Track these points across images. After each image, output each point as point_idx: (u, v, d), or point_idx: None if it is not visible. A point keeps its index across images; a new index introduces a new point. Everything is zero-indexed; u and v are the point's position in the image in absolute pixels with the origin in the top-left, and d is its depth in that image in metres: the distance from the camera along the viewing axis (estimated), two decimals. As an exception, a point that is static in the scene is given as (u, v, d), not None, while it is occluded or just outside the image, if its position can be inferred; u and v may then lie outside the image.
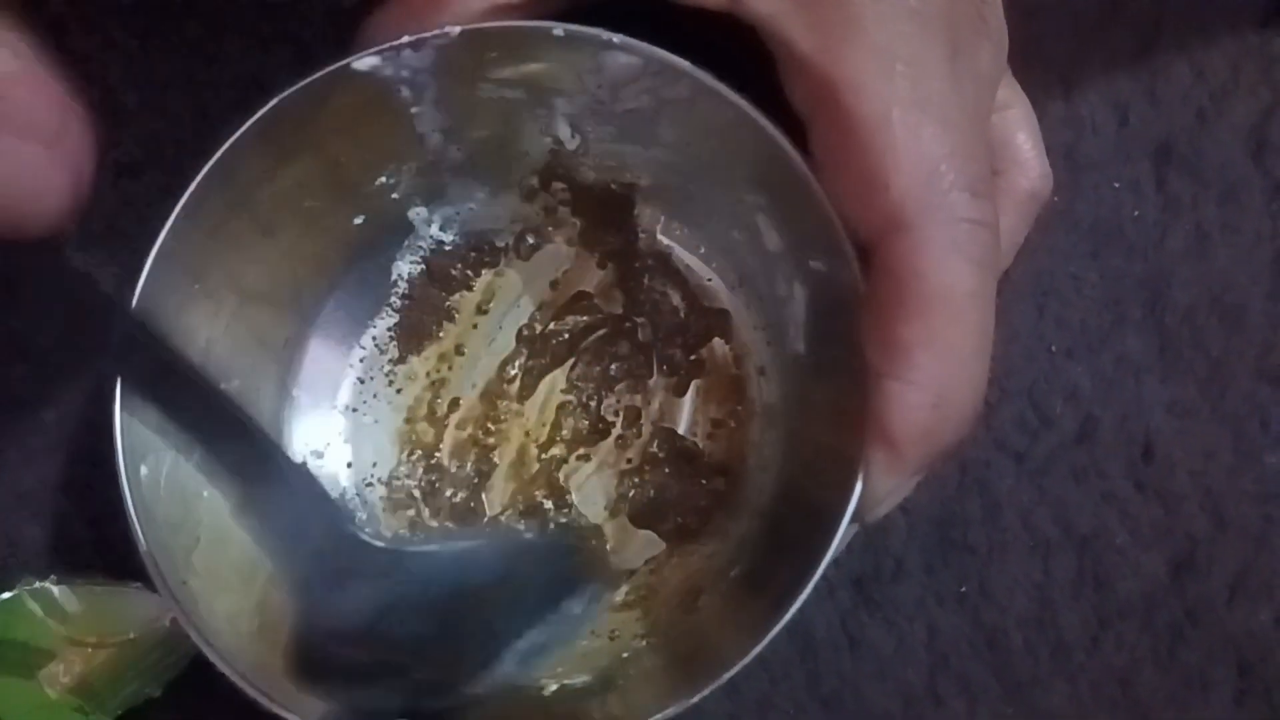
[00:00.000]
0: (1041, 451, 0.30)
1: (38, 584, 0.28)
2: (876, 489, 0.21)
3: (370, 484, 0.30)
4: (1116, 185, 0.32)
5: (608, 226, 0.30)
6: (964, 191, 0.21)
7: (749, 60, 0.24)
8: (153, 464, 0.24)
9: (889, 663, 0.29)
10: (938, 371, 0.21)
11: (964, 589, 0.29)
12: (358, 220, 0.29)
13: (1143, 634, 0.29)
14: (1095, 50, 0.33)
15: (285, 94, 0.24)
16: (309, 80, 0.24)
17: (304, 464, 0.28)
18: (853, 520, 0.22)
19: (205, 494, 0.26)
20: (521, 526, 0.29)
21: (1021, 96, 0.28)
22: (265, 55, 0.32)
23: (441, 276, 0.31)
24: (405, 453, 0.30)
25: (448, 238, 0.30)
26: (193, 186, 0.24)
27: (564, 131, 0.28)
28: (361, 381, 0.30)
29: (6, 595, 0.27)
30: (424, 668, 0.26)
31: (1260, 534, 0.30)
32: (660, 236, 0.30)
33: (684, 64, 0.24)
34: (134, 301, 0.24)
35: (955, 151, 0.21)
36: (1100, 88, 0.33)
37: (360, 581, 0.26)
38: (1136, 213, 0.32)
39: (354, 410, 0.30)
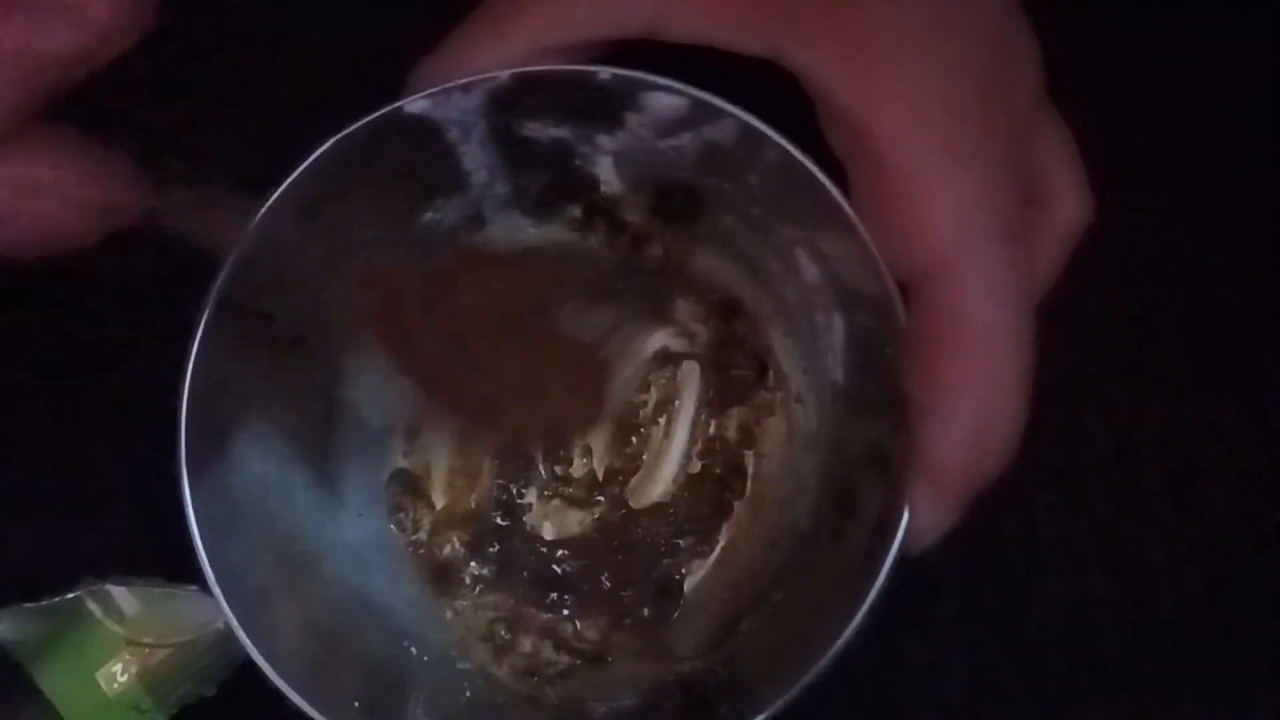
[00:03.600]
0: (1079, 471, 0.31)
1: (98, 586, 0.29)
2: (922, 522, 0.22)
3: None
4: (1152, 210, 0.32)
5: (645, 252, 0.31)
6: (999, 236, 0.21)
7: (790, 102, 0.24)
8: (216, 470, 0.25)
9: (928, 680, 0.29)
10: (979, 408, 0.21)
11: (1002, 606, 0.30)
12: (406, 253, 0.30)
13: (1182, 652, 0.30)
14: (1132, 78, 0.33)
15: (341, 135, 0.25)
16: (364, 122, 0.25)
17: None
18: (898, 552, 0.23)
19: (269, 505, 0.27)
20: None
21: (1061, 124, 0.28)
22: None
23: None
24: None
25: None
26: (260, 213, 0.25)
27: (606, 169, 0.28)
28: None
29: (68, 596, 0.29)
30: None
31: (1299, 552, 0.30)
32: (696, 263, 0.30)
33: (727, 105, 0.25)
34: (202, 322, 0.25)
35: (990, 198, 0.21)
36: (1139, 110, 0.33)
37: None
38: (1171, 236, 0.32)
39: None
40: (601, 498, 0.31)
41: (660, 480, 0.31)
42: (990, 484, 0.23)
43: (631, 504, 0.31)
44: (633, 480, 0.31)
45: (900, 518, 0.22)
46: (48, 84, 0.20)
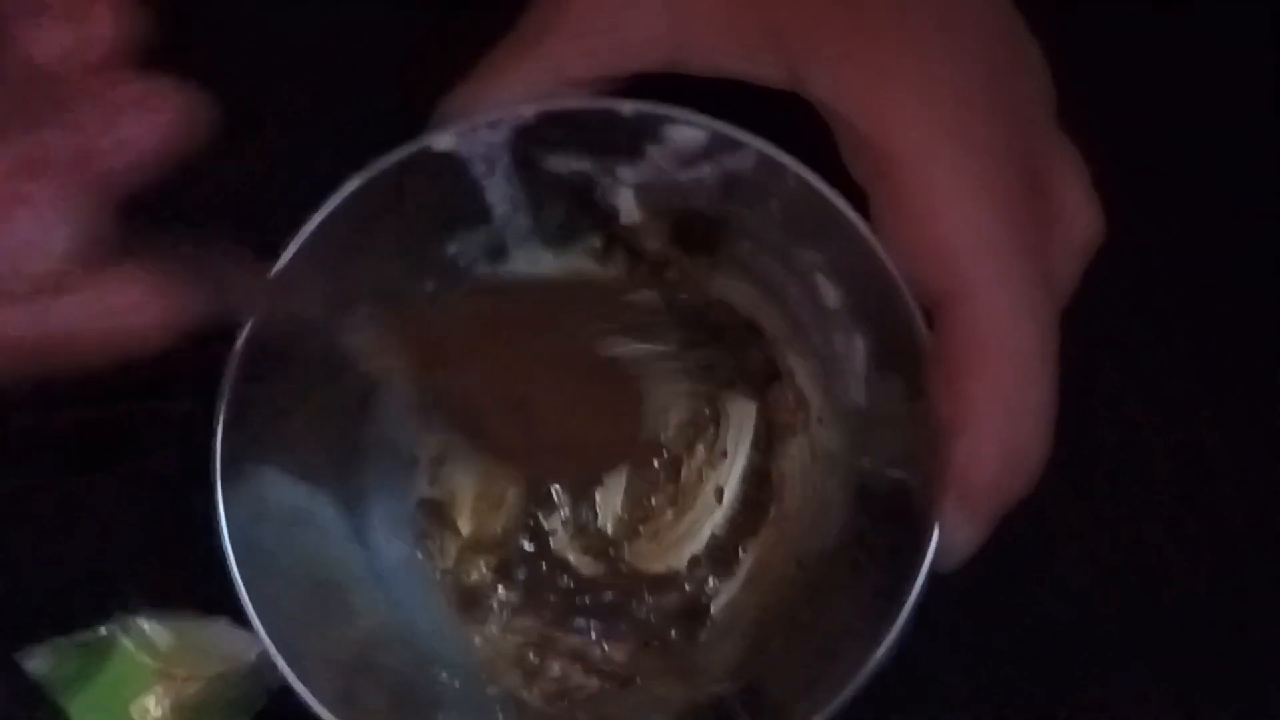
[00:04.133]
0: (1098, 482, 0.31)
1: (130, 619, 0.29)
2: (953, 539, 0.23)
3: None
4: (1165, 230, 0.33)
5: (664, 277, 0.31)
6: (1020, 256, 0.22)
7: (809, 128, 0.25)
8: (249, 502, 0.26)
9: (931, 672, 0.30)
10: (1007, 425, 0.22)
11: (1007, 598, 0.30)
12: (428, 286, 0.30)
13: (1188, 646, 0.30)
14: (1135, 91, 0.34)
15: (369, 171, 0.26)
16: (392, 158, 0.26)
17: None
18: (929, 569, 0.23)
19: (300, 535, 0.27)
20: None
21: (1069, 144, 0.29)
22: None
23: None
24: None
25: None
26: (288, 255, 0.26)
27: (627, 200, 0.29)
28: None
29: (100, 630, 0.29)
30: None
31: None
32: (715, 286, 0.31)
33: (746, 136, 0.25)
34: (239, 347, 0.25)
35: (1010, 220, 0.22)
36: (1139, 127, 0.34)
37: None
38: (1182, 242, 0.33)
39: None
40: (621, 553, 0.31)
41: (697, 533, 0.31)
42: (1018, 503, 0.23)
43: (650, 566, 0.31)
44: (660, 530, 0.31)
45: (930, 536, 0.23)
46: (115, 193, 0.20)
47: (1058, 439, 0.30)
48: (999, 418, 0.22)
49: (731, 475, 0.31)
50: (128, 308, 0.20)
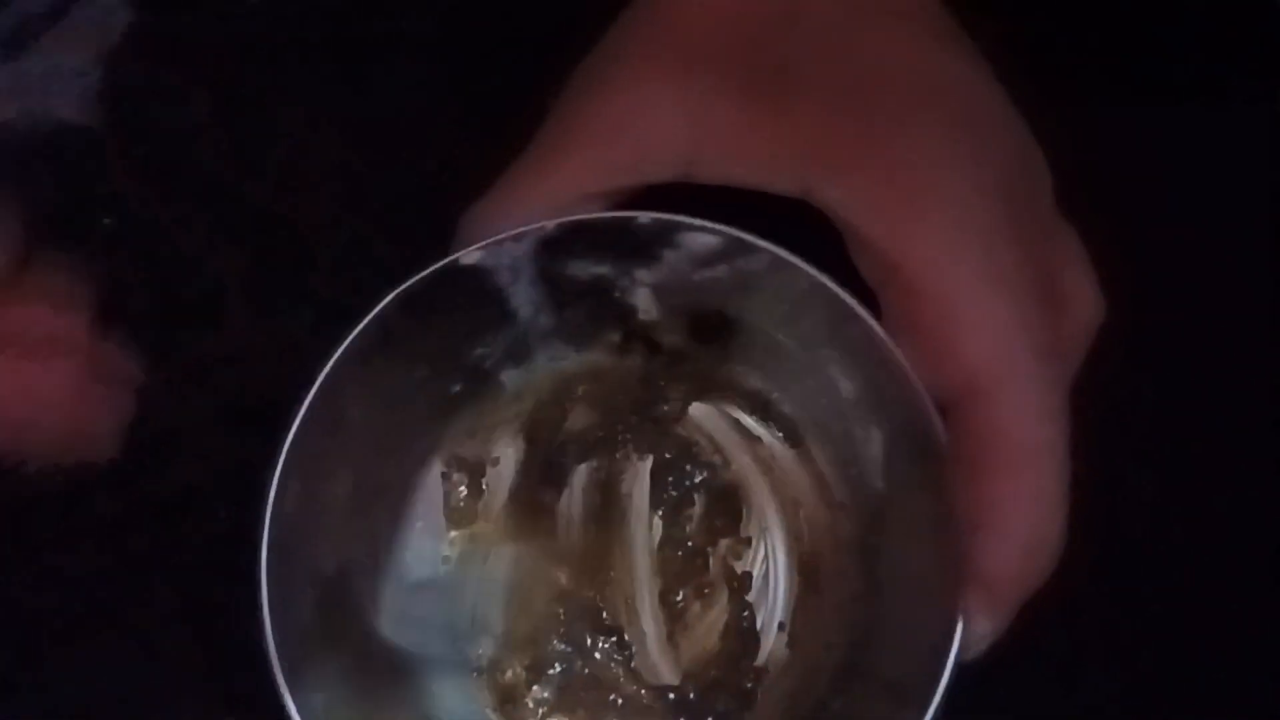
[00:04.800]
0: (1115, 555, 0.32)
1: None
2: (976, 631, 0.23)
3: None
4: (1165, 291, 0.34)
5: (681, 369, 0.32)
6: (1035, 357, 0.23)
7: (819, 227, 0.26)
8: (293, 611, 0.26)
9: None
10: (1026, 521, 0.23)
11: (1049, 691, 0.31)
12: (456, 388, 0.31)
13: None
14: (1135, 174, 0.35)
15: (401, 288, 0.27)
16: (423, 275, 0.27)
17: None
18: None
19: (344, 640, 0.28)
20: None
21: (1069, 229, 0.30)
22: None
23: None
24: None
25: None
26: (323, 374, 0.27)
27: (644, 298, 0.30)
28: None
29: None
30: None
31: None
32: (731, 376, 0.32)
33: (759, 240, 0.26)
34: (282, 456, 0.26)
35: (1024, 320, 0.23)
36: (1144, 210, 0.35)
37: None
38: (1192, 319, 0.34)
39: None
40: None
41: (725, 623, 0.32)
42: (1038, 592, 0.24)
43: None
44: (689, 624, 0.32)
45: (954, 629, 0.23)
46: None
47: (1090, 540, 0.31)
48: (1020, 516, 0.23)
49: (756, 561, 0.32)
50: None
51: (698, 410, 0.32)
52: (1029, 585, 0.23)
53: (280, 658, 0.25)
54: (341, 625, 0.28)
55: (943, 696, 0.23)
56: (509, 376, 0.32)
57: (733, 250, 0.27)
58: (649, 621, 0.31)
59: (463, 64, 0.35)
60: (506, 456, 0.32)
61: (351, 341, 0.27)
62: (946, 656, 0.23)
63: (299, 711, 0.25)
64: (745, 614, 0.31)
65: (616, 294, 0.30)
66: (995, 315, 0.23)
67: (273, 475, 0.26)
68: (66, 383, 0.21)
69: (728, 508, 0.32)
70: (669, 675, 0.31)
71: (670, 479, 0.32)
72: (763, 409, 0.32)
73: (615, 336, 0.32)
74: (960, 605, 0.23)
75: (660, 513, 0.32)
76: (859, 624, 0.29)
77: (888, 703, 0.26)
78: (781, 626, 0.31)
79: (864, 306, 0.26)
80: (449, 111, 0.35)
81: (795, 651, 0.31)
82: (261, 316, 0.34)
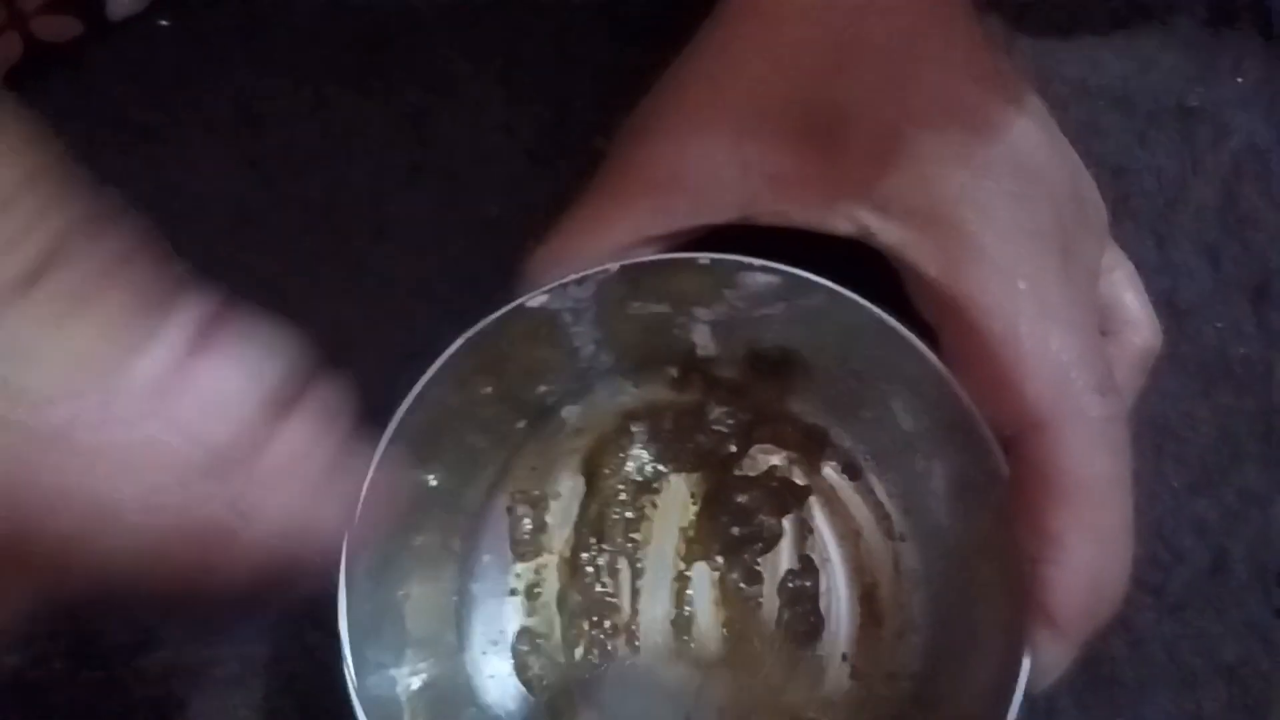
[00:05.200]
0: (1178, 585, 0.32)
1: None
2: (1044, 664, 0.23)
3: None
4: (1218, 325, 0.34)
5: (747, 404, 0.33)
6: (1094, 392, 0.23)
7: (878, 266, 0.27)
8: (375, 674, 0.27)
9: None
10: (1090, 555, 0.23)
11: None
12: (520, 424, 0.32)
13: None
14: (1183, 203, 0.35)
15: (472, 331, 0.28)
16: (491, 318, 0.28)
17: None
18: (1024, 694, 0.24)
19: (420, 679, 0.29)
20: None
21: (1123, 257, 0.30)
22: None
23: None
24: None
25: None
26: (399, 416, 0.27)
27: (703, 335, 0.31)
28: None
29: None
30: None
31: None
32: (790, 409, 0.32)
33: (819, 279, 0.27)
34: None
35: (1082, 355, 0.23)
36: (1191, 235, 0.35)
37: None
38: (1243, 350, 0.34)
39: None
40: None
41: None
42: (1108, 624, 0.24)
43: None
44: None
45: (1021, 663, 0.24)
46: None
47: (1148, 564, 0.31)
48: (1084, 549, 0.23)
49: (819, 593, 0.32)
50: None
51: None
52: (1095, 618, 0.23)
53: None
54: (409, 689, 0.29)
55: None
56: (570, 412, 0.33)
57: (791, 288, 0.28)
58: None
59: (516, 108, 0.36)
60: (568, 490, 0.33)
61: (424, 385, 0.28)
62: (1013, 691, 0.24)
63: None
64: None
65: (675, 331, 0.31)
66: (1053, 351, 0.23)
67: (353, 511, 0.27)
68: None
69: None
70: None
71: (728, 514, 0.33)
72: (820, 440, 0.32)
73: (674, 372, 0.32)
74: (1026, 639, 0.24)
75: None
76: (922, 657, 0.30)
77: None
78: (845, 658, 0.31)
79: (924, 341, 0.26)
80: (505, 155, 0.36)
81: (858, 683, 0.31)
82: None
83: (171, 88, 0.36)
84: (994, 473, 0.25)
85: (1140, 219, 0.35)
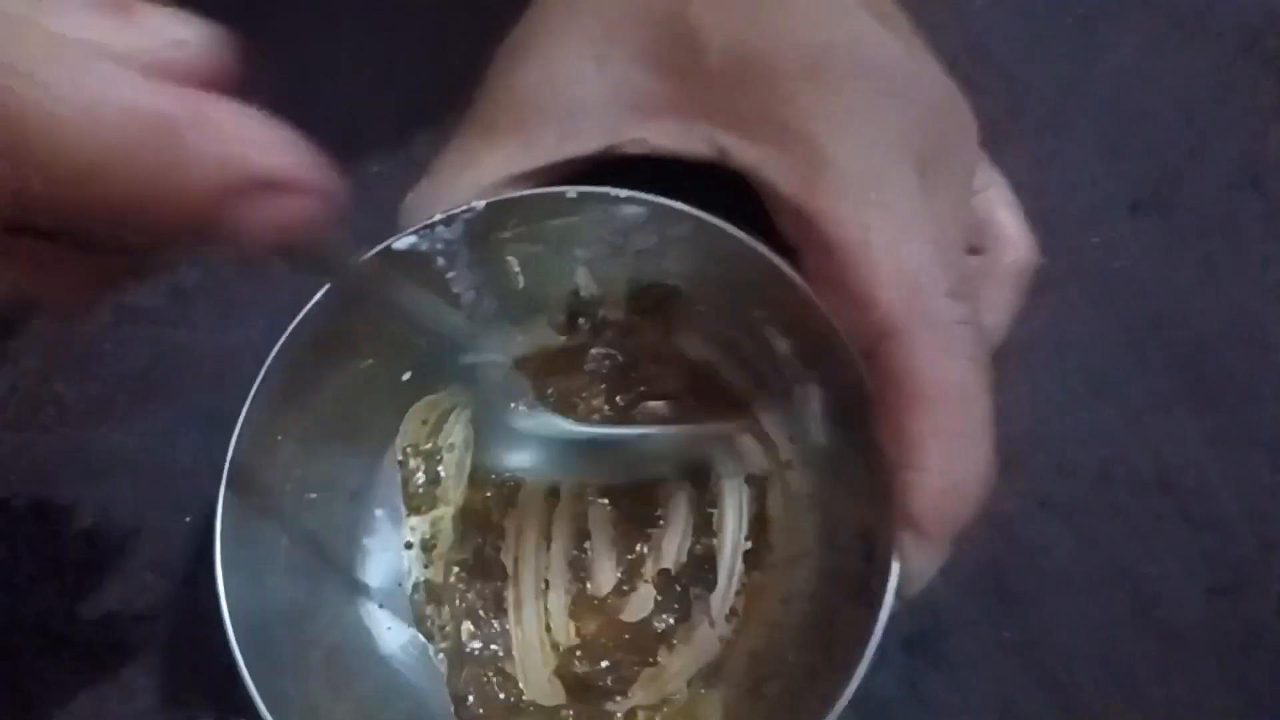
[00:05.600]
0: (1067, 495, 0.32)
1: None
2: (911, 568, 0.24)
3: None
4: (1098, 240, 0.35)
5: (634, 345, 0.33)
6: (944, 297, 0.23)
7: (739, 193, 0.27)
8: (255, 603, 0.27)
9: (957, 715, 0.30)
10: (946, 458, 0.23)
11: (1019, 636, 0.31)
12: (405, 376, 0.32)
13: (1207, 659, 0.30)
14: (1068, 118, 0.35)
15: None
16: (359, 261, 0.27)
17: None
18: (895, 599, 0.24)
19: (307, 629, 0.29)
20: None
21: (996, 176, 0.30)
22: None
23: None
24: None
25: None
26: (265, 368, 0.27)
27: (583, 276, 0.31)
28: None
29: None
30: None
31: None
32: (675, 346, 0.32)
33: (685, 207, 0.27)
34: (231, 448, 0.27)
35: (932, 262, 0.23)
36: (1070, 155, 0.35)
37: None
38: (1124, 262, 0.34)
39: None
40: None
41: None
42: (973, 522, 0.24)
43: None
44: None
45: (889, 566, 0.24)
46: None
47: (1042, 478, 0.32)
48: (938, 452, 0.23)
49: (714, 519, 0.32)
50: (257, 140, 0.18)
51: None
52: (956, 521, 0.23)
53: (243, 649, 0.26)
54: (308, 623, 0.29)
55: (883, 630, 0.24)
56: (457, 363, 0.33)
57: (660, 218, 0.28)
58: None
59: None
60: (460, 442, 0.33)
61: (292, 334, 0.27)
62: (883, 595, 0.24)
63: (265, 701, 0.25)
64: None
65: (556, 272, 0.31)
66: (903, 260, 0.23)
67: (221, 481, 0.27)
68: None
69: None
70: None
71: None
72: (708, 376, 0.32)
73: (560, 316, 0.32)
74: (893, 544, 0.24)
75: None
76: (815, 578, 0.30)
77: (843, 647, 0.26)
78: (740, 589, 0.31)
79: (788, 264, 0.26)
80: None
81: (754, 612, 0.31)
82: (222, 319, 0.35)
83: None
84: (860, 386, 0.25)
85: (1021, 140, 0.35)
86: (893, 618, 0.30)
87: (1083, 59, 0.36)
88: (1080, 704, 0.30)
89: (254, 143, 0.19)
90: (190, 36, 0.20)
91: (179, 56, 0.19)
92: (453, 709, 0.30)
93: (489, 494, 0.33)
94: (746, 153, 0.25)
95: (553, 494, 0.33)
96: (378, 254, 0.27)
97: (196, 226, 0.18)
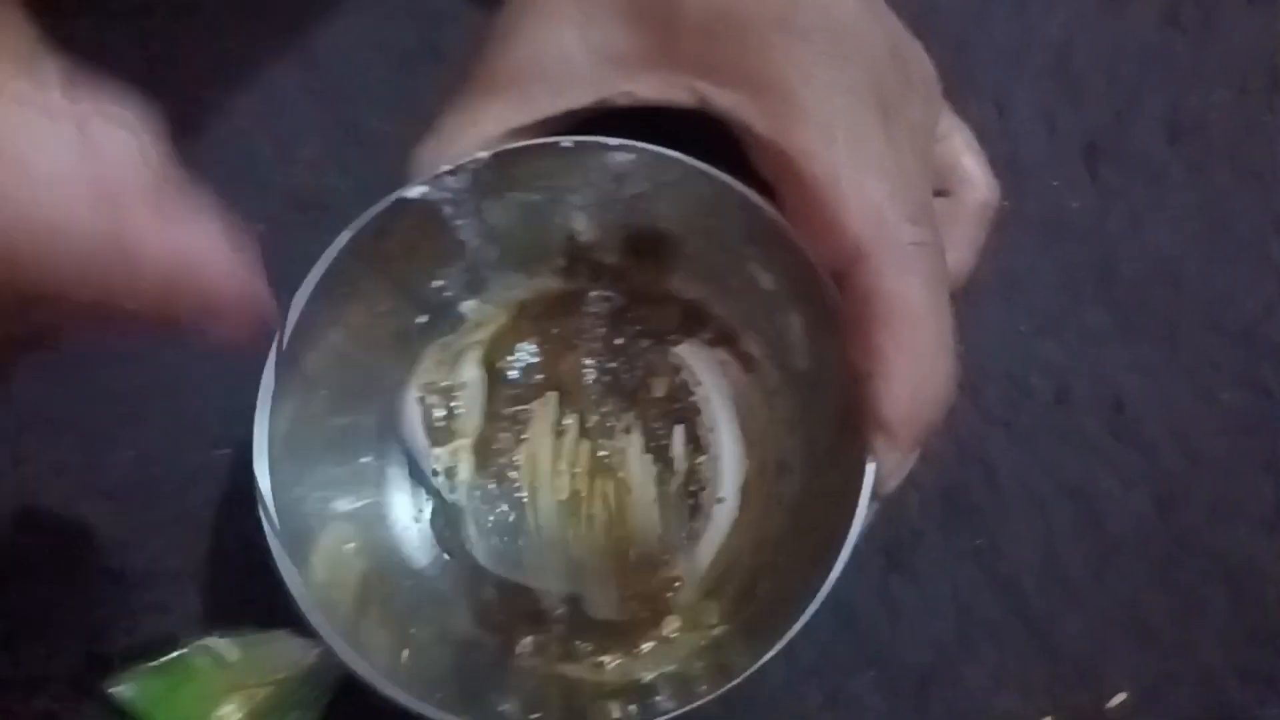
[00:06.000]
0: (1026, 419, 0.35)
1: (201, 640, 0.32)
2: (882, 468, 0.27)
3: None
4: (1055, 183, 0.37)
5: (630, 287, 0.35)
6: (905, 221, 0.26)
7: (724, 138, 0.29)
8: (298, 532, 0.30)
9: (921, 619, 0.33)
10: (909, 367, 0.26)
11: (978, 545, 0.34)
12: (420, 319, 0.34)
13: (1139, 563, 0.34)
14: (1019, 72, 0.38)
15: (356, 225, 0.30)
16: (372, 211, 0.30)
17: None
18: (871, 499, 0.27)
19: (352, 546, 0.31)
20: None
21: (959, 123, 0.33)
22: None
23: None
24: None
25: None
26: (300, 298, 0.30)
27: (580, 221, 0.33)
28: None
29: (176, 654, 0.32)
30: None
31: (1228, 462, 0.34)
32: (670, 286, 0.35)
33: (672, 153, 0.30)
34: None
35: (893, 191, 0.26)
36: (1027, 102, 0.38)
37: None
38: (1077, 204, 0.37)
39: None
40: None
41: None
42: (938, 433, 0.27)
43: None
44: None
45: (863, 468, 0.27)
46: None
47: (998, 402, 0.35)
48: (904, 361, 0.26)
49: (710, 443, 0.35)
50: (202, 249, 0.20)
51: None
52: (921, 423, 0.26)
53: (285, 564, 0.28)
54: (345, 539, 0.32)
55: (859, 530, 0.27)
56: (467, 307, 0.35)
57: (650, 165, 0.30)
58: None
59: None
60: (473, 380, 0.36)
61: (314, 277, 0.30)
62: (859, 493, 0.27)
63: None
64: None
65: (555, 219, 0.33)
66: (868, 190, 0.26)
67: (257, 415, 0.29)
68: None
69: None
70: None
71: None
72: (699, 314, 0.35)
73: (560, 261, 0.35)
74: (867, 448, 0.27)
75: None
76: (800, 491, 0.33)
77: (824, 549, 0.28)
78: (721, 500, 0.34)
79: (767, 201, 0.29)
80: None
81: (745, 519, 0.34)
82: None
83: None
84: (833, 308, 0.28)
85: (982, 90, 0.38)
86: (869, 529, 0.33)
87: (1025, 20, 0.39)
88: (1027, 606, 0.34)
89: (200, 263, 0.20)
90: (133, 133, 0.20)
91: (128, 175, 0.20)
92: (478, 619, 0.33)
93: (503, 424, 0.35)
94: (724, 98, 0.28)
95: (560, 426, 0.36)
96: (392, 203, 0.30)
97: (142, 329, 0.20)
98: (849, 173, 0.26)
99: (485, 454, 0.35)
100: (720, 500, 0.34)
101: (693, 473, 0.35)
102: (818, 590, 0.27)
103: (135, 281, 0.19)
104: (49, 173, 0.19)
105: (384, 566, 0.33)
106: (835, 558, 0.27)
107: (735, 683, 0.27)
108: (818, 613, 0.27)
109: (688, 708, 0.27)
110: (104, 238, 0.19)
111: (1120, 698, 0.32)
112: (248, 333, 0.21)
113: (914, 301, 0.26)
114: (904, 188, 0.27)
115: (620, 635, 0.33)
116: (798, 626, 0.27)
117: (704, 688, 0.28)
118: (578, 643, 0.33)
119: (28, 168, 0.19)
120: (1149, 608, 0.33)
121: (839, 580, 0.27)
